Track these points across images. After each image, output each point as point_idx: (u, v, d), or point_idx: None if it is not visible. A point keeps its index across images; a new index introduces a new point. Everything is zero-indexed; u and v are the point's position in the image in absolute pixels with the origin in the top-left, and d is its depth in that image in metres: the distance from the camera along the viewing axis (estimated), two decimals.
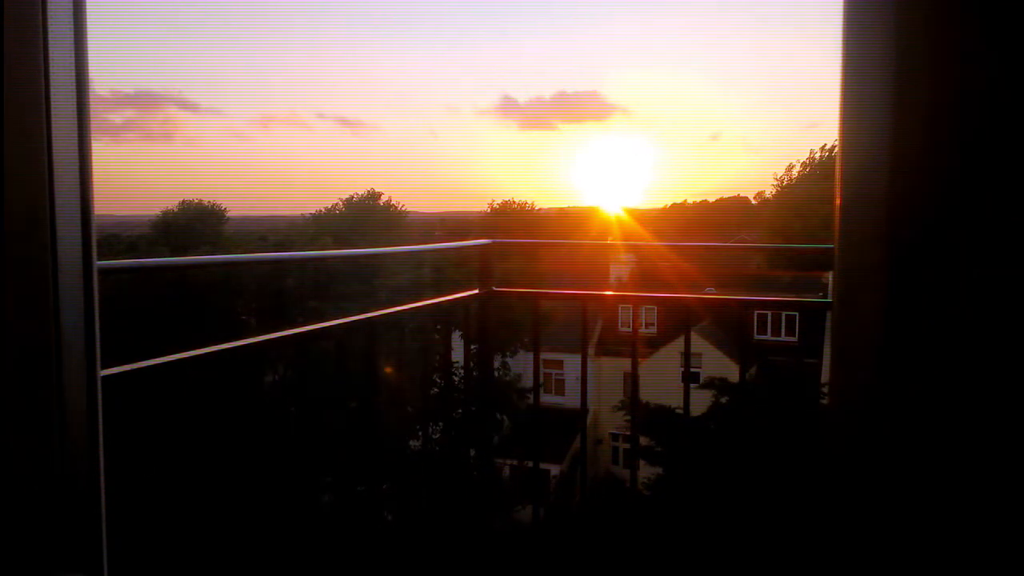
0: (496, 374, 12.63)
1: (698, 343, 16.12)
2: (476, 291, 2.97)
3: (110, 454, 0.88)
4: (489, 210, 34.18)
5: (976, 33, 0.69)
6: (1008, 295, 0.69)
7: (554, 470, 15.47)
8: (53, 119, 0.79)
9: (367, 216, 26.35)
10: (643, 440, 10.46)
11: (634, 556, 4.47)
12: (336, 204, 27.87)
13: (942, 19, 0.70)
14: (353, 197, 27.62)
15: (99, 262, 0.86)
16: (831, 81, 0.77)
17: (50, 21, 0.78)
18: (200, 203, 24.80)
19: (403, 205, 28.56)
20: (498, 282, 3.05)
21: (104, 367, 0.89)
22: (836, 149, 0.78)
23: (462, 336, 3.15)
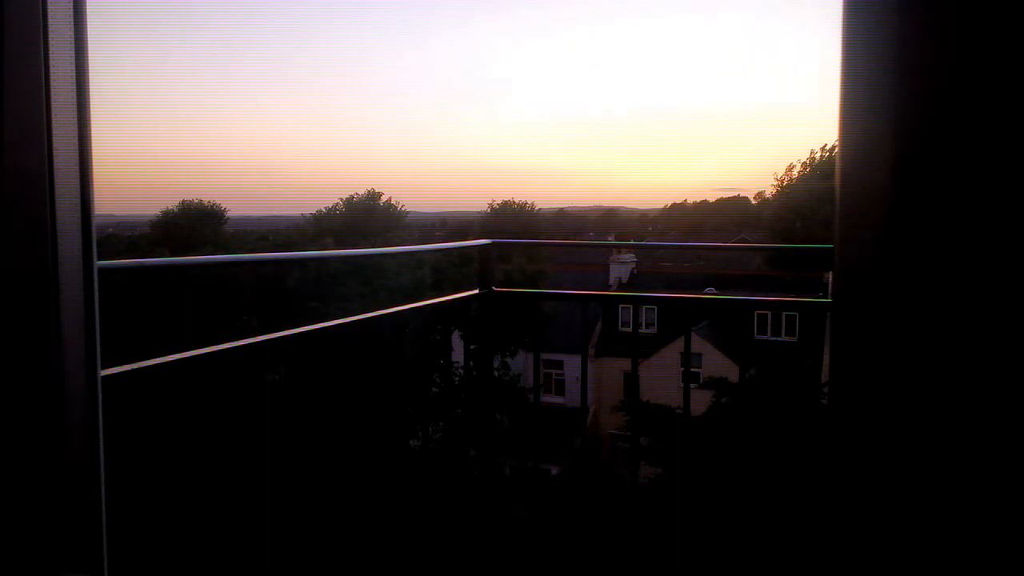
0: (496, 374, 12.64)
1: (698, 343, 16.09)
2: (476, 291, 2.97)
3: (110, 454, 0.88)
4: (489, 210, 34.12)
5: (977, 29, 0.69)
6: (1008, 294, 0.69)
7: (554, 470, 15.45)
8: (53, 119, 0.79)
9: (367, 216, 26.24)
10: (643, 440, 10.43)
11: (634, 556, 4.46)
12: (336, 204, 27.77)
13: (943, 17, 0.70)
14: (353, 197, 27.51)
15: (99, 262, 0.86)
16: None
17: (50, 21, 0.78)
18: (200, 203, 24.74)
19: (403, 205, 28.45)
20: (498, 282, 3.06)
21: (104, 367, 0.89)
22: (836, 149, 0.78)
23: (462, 336, 3.15)
